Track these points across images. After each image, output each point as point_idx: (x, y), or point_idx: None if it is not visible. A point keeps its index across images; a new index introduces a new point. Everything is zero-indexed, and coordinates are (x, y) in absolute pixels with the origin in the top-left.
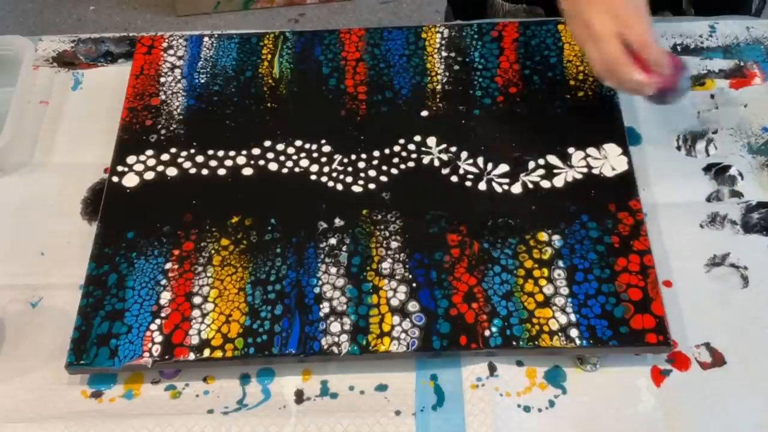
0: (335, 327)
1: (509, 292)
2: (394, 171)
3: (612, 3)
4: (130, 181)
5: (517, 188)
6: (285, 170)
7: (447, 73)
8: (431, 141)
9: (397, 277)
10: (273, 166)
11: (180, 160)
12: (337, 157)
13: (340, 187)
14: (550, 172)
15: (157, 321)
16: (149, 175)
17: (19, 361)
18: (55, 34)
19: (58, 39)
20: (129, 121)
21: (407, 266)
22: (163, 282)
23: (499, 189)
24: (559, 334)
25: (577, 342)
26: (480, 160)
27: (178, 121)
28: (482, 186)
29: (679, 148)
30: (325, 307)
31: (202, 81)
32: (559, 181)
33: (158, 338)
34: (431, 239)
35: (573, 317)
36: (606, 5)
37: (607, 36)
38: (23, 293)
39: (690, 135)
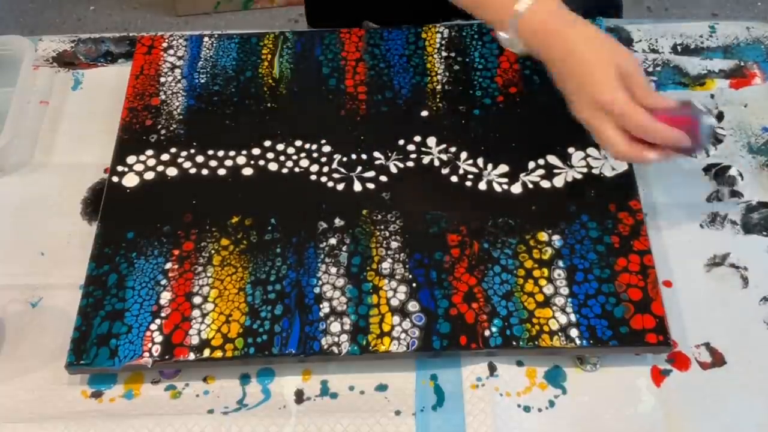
0: (335, 327)
1: (509, 292)
2: (394, 171)
3: (591, 94)
4: (130, 181)
5: (517, 188)
6: (285, 170)
7: (447, 73)
8: (431, 141)
9: (397, 277)
10: (273, 166)
11: (180, 160)
12: (337, 157)
13: (340, 187)
14: (550, 172)
15: (157, 321)
16: (149, 175)
17: (19, 361)
18: (55, 34)
19: (58, 39)
20: (129, 121)
21: (407, 266)
22: (163, 282)
23: (499, 189)
24: (559, 334)
25: (577, 342)
26: (480, 160)
27: (178, 121)
28: (482, 186)
29: None
30: (325, 307)
31: (202, 81)
32: (559, 181)
33: (158, 338)
34: (431, 239)
35: (573, 317)
36: (586, 98)
37: (605, 128)
38: (23, 293)
39: None
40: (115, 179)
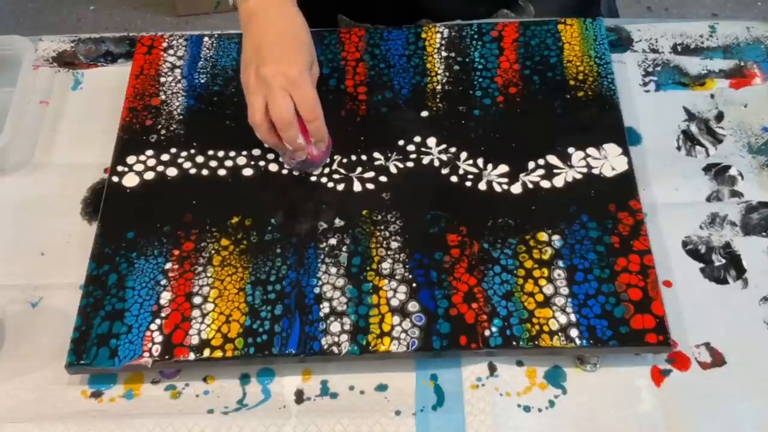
0: (335, 327)
1: (509, 292)
2: (394, 171)
3: (282, 64)
4: (130, 181)
5: (517, 188)
6: (285, 170)
7: (447, 73)
8: (431, 141)
9: (397, 277)
10: (273, 167)
11: (180, 160)
12: (337, 157)
13: (340, 187)
14: (550, 172)
15: (157, 321)
16: (149, 175)
17: (19, 361)
18: (55, 34)
19: (58, 39)
20: (129, 121)
21: (407, 266)
22: (163, 282)
23: (499, 189)
24: (559, 334)
25: (577, 342)
26: (480, 161)
27: (178, 121)
28: (482, 186)
29: (679, 148)
30: (325, 307)
31: (202, 81)
32: (559, 181)
33: (158, 338)
34: (431, 239)
35: (573, 317)
36: (277, 65)
37: (283, 93)
38: (23, 293)
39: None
40: (115, 179)
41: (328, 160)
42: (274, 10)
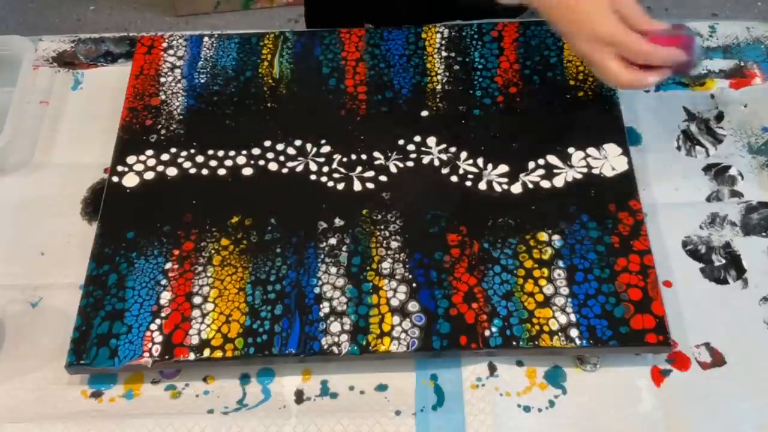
0: (335, 327)
1: (509, 292)
2: (394, 171)
3: (589, 29)
4: (130, 181)
5: (517, 188)
6: (285, 170)
7: (447, 73)
8: (431, 141)
9: (397, 277)
10: (273, 166)
11: (180, 160)
12: (337, 157)
13: (340, 187)
14: (550, 172)
15: (157, 321)
16: (149, 175)
17: (19, 361)
18: (55, 34)
19: (58, 39)
20: (129, 121)
21: (407, 266)
22: (163, 282)
23: (499, 189)
24: (559, 334)
25: (577, 342)
26: (480, 160)
27: (178, 121)
28: (482, 186)
29: (679, 148)
30: (325, 307)
31: (202, 81)
32: (559, 181)
33: (158, 338)
34: (431, 239)
35: (573, 317)
36: (585, 34)
37: (608, 60)
38: (23, 293)
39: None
40: (115, 179)
41: (700, 50)
42: None
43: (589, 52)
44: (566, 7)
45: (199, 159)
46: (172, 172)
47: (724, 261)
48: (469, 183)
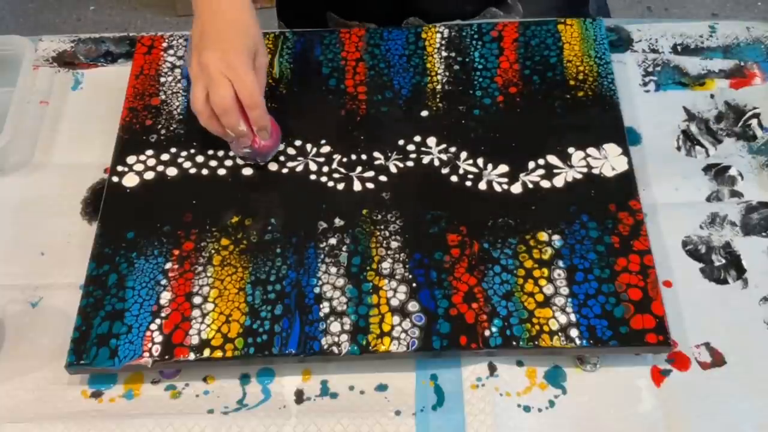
0: (335, 327)
1: (509, 292)
2: (394, 171)
3: (227, 52)
4: (130, 181)
5: (517, 188)
6: (285, 170)
7: (447, 73)
8: (431, 141)
9: (397, 277)
10: (273, 166)
11: (180, 160)
12: (337, 157)
13: (340, 187)
14: (550, 172)
15: (157, 321)
16: (149, 175)
17: (19, 361)
18: (55, 34)
19: (58, 39)
20: (129, 121)
21: (407, 266)
22: (163, 282)
23: (499, 189)
24: (559, 334)
25: (577, 342)
26: (480, 160)
27: (178, 121)
28: (482, 186)
29: (679, 148)
30: (325, 307)
31: None
32: (559, 181)
33: (158, 338)
34: (431, 239)
35: (573, 317)
36: (221, 52)
37: (222, 80)
38: (23, 293)
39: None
40: (115, 179)
41: (280, 148)
42: (225, 1)
43: (213, 65)
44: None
45: (199, 159)
46: (172, 172)
47: (724, 261)
48: (469, 183)
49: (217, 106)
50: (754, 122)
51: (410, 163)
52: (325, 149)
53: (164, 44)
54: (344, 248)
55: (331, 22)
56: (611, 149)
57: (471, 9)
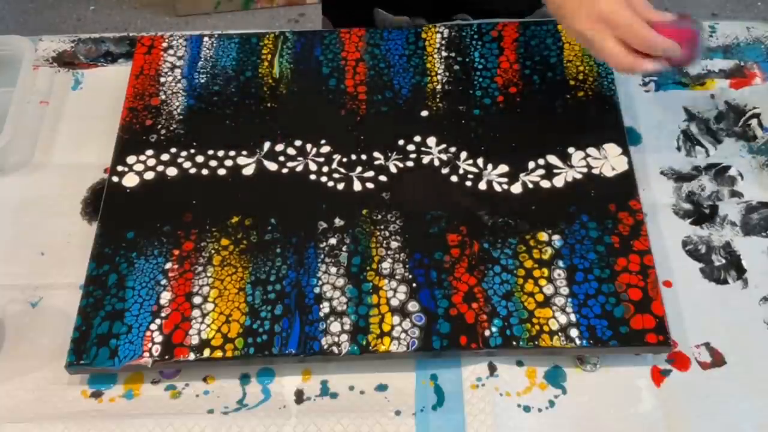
0: (335, 327)
1: (509, 292)
2: (393, 171)
3: (591, 7)
4: (130, 181)
5: (517, 188)
6: (285, 170)
7: (447, 73)
8: (431, 141)
9: (397, 277)
10: (273, 166)
11: (180, 160)
12: (337, 157)
13: (340, 187)
14: (550, 172)
15: (157, 321)
16: (149, 175)
17: (19, 361)
18: (55, 34)
19: (58, 39)
20: (129, 121)
21: (407, 266)
22: (163, 282)
23: (499, 189)
24: (559, 334)
25: (577, 342)
26: (480, 160)
27: (178, 121)
28: (482, 186)
29: (679, 148)
30: (325, 307)
31: (202, 81)
32: (559, 181)
33: (158, 338)
34: (431, 239)
35: (573, 317)
36: (585, 13)
37: (638, 20)
38: (23, 293)
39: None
40: (115, 179)
41: (704, 46)
42: None
43: (589, 31)
44: None
45: (199, 159)
46: (172, 172)
47: (724, 261)
48: (469, 183)
49: (651, 45)
50: (754, 122)
51: (410, 163)
52: (325, 149)
53: (164, 44)
54: (344, 248)
55: (378, 17)
56: (611, 149)
57: (525, 6)
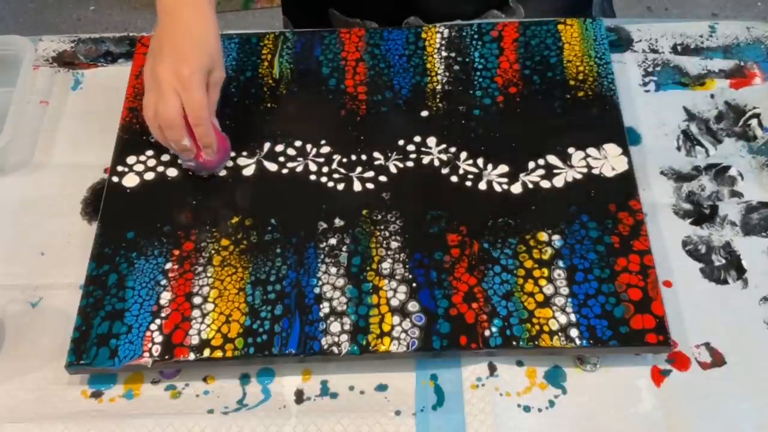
0: (335, 327)
1: (509, 292)
2: (393, 171)
3: (180, 66)
4: (130, 181)
5: (517, 188)
6: (285, 170)
7: (447, 73)
8: (431, 141)
9: (397, 277)
10: (273, 167)
11: (180, 160)
12: (337, 157)
13: (340, 187)
14: (550, 172)
15: (157, 321)
16: (149, 175)
17: (19, 361)
18: (55, 34)
19: (58, 39)
20: (129, 121)
21: (407, 266)
22: (163, 282)
23: (499, 189)
24: (559, 334)
25: (577, 342)
26: (480, 160)
27: None
28: (482, 186)
29: (679, 148)
30: (325, 307)
31: None
32: (559, 181)
33: (158, 338)
34: (431, 239)
35: (573, 317)
36: (174, 65)
37: (170, 94)
38: (23, 293)
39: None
40: (115, 179)
41: (227, 164)
42: (188, 11)
43: (164, 76)
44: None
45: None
46: (172, 172)
47: (724, 261)
48: (469, 183)
49: (162, 120)
50: (754, 122)
51: (410, 164)
52: (325, 149)
53: None
54: (344, 248)
55: (333, 18)
56: (611, 149)
57: (472, 10)
